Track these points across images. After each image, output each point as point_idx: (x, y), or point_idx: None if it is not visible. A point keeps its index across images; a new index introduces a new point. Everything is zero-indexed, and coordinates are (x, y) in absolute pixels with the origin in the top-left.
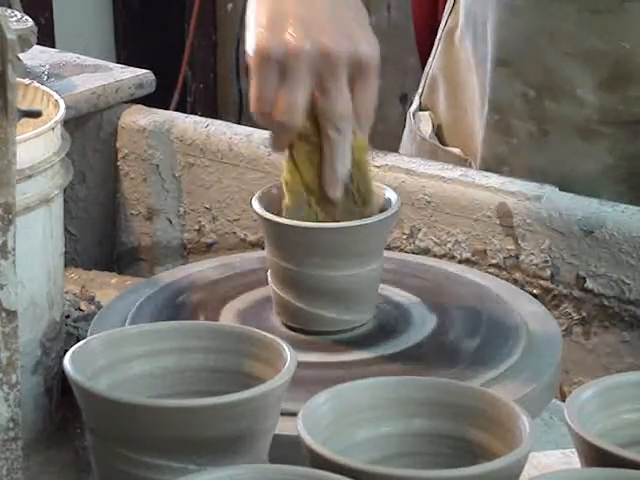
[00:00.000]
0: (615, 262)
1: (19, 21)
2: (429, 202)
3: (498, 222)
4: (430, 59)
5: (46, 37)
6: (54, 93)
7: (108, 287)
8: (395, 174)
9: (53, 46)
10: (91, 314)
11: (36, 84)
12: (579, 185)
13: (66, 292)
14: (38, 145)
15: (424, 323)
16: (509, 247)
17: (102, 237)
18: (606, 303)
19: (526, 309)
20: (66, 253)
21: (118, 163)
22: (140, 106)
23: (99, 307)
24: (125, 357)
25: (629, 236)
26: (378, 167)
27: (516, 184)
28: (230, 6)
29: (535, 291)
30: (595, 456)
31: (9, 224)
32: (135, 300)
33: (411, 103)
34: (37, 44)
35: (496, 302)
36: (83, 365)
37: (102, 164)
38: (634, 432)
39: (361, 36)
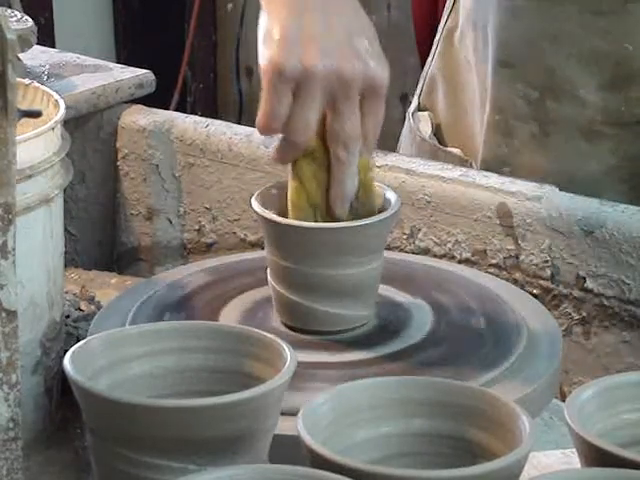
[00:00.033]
0: (615, 262)
1: (19, 21)
2: (429, 202)
3: (498, 222)
4: (429, 59)
5: (46, 37)
6: (54, 93)
7: (108, 287)
8: (395, 174)
9: (53, 46)
10: (91, 314)
11: (36, 84)
12: (581, 186)
13: (66, 292)
14: (38, 145)
15: (424, 323)
16: (509, 247)
17: (102, 237)
18: (606, 303)
19: (526, 309)
20: (66, 253)
21: (118, 163)
22: (140, 106)
23: (99, 307)
24: (125, 357)
25: (629, 236)
26: (378, 167)
27: (516, 184)
28: (230, 6)
29: (535, 291)
30: (595, 456)
31: (9, 224)
32: (135, 300)
33: (410, 103)
34: (37, 44)
35: (496, 302)
36: (83, 365)
37: (102, 164)
38: (634, 432)
39: (374, 58)
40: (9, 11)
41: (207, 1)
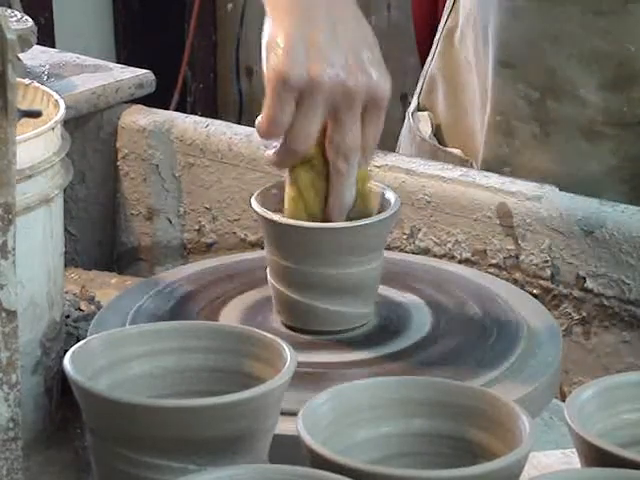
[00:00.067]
0: (615, 262)
1: (19, 21)
2: (429, 202)
3: (498, 222)
4: (429, 59)
5: (46, 37)
6: (54, 93)
7: (108, 287)
8: (395, 174)
9: (53, 46)
10: (91, 314)
11: (36, 84)
12: (582, 186)
13: (66, 292)
14: (38, 145)
15: (424, 323)
16: (509, 247)
17: (102, 237)
18: (606, 303)
19: (526, 309)
20: (66, 253)
21: (118, 163)
22: (140, 106)
23: (99, 307)
24: (125, 357)
25: (629, 236)
26: (378, 167)
27: (516, 184)
28: (230, 6)
29: (535, 291)
30: (595, 456)
31: (9, 224)
32: (135, 300)
33: (410, 103)
34: (37, 44)
35: (496, 302)
36: (83, 365)
37: (102, 164)
38: (634, 432)
39: (377, 69)
40: (9, 11)
41: (207, 1)
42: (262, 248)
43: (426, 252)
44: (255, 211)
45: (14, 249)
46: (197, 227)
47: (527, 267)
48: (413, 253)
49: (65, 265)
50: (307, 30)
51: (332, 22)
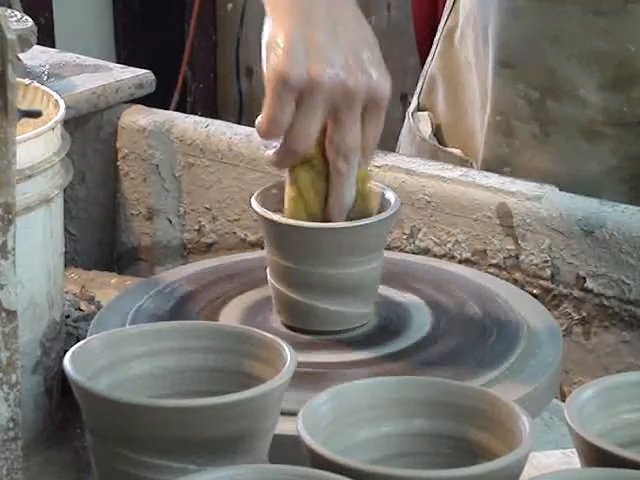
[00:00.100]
0: (615, 262)
1: (19, 21)
2: (429, 202)
3: (498, 222)
4: (429, 59)
5: (46, 37)
6: (54, 93)
7: (108, 287)
8: (395, 174)
9: (53, 46)
10: (91, 314)
11: (36, 84)
12: (582, 186)
13: (66, 292)
14: (38, 145)
15: (424, 323)
16: (509, 247)
17: (102, 237)
18: (606, 303)
19: (526, 309)
20: (66, 253)
21: (118, 163)
22: (140, 106)
23: (99, 307)
24: (125, 357)
25: (629, 236)
26: (378, 167)
27: (516, 184)
28: (230, 6)
29: (535, 291)
30: (595, 456)
31: (9, 224)
32: (135, 300)
33: (410, 103)
34: (37, 44)
35: (496, 302)
36: (83, 365)
37: (102, 164)
38: (634, 432)
39: (377, 69)
40: (9, 11)
41: (207, 1)
42: (262, 248)
43: (426, 252)
44: (255, 211)
45: (14, 249)
46: (197, 227)
47: (527, 267)
48: (413, 253)
49: (65, 265)
50: (307, 30)
51: (332, 22)
